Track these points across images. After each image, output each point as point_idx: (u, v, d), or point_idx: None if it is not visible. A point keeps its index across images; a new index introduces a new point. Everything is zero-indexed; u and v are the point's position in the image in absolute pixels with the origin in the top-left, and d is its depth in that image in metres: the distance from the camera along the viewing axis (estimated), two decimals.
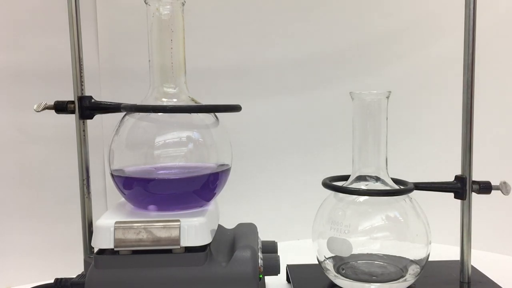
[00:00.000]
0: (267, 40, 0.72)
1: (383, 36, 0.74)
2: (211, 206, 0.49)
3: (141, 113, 0.48)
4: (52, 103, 0.51)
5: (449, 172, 0.53)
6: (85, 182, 0.53)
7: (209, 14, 0.69)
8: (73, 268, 0.53)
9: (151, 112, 0.47)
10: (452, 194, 0.52)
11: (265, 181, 0.75)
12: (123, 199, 0.50)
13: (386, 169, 0.51)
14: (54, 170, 0.64)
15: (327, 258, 0.51)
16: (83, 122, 0.53)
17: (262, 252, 0.50)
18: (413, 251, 0.49)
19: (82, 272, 0.51)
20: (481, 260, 0.59)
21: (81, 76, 0.52)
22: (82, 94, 0.52)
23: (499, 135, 0.70)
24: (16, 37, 0.61)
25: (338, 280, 0.50)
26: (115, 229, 0.43)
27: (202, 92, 0.53)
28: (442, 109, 0.73)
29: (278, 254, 0.51)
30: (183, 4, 0.49)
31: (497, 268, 0.58)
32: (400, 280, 0.49)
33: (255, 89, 0.73)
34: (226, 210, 0.57)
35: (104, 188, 0.67)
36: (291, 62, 0.73)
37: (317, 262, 0.53)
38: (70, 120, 0.53)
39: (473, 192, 0.52)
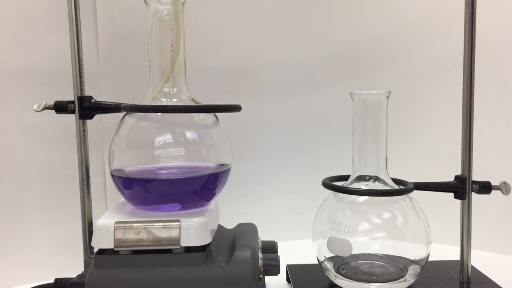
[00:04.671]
0: (267, 40, 0.72)
1: (383, 36, 0.74)
2: (211, 206, 0.49)
3: (141, 113, 0.48)
4: (52, 103, 0.51)
5: (449, 172, 0.53)
6: (85, 182, 0.53)
7: (209, 14, 0.70)
8: (73, 268, 0.53)
9: (151, 112, 0.47)
10: (452, 194, 0.52)
11: (265, 181, 0.75)
12: (123, 199, 0.51)
13: (386, 169, 0.51)
14: (54, 170, 0.64)
15: (327, 258, 0.51)
16: (83, 122, 0.53)
17: (262, 252, 0.50)
18: (413, 251, 0.49)
19: (82, 272, 0.51)
20: (481, 260, 0.59)
21: (81, 76, 0.52)
22: (82, 94, 0.52)
23: (499, 135, 0.70)
24: (16, 37, 0.61)
25: (338, 280, 0.50)
26: (115, 229, 0.43)
27: (202, 92, 0.53)
28: (442, 109, 0.73)
29: (278, 254, 0.51)
30: (183, 4, 0.49)
31: (497, 268, 0.58)
32: (400, 280, 0.49)
33: (255, 89, 0.73)
34: (226, 210, 0.57)
35: (104, 188, 0.67)
36: (291, 62, 0.73)
37: (317, 262, 0.53)
38: (70, 120, 0.53)
39: (473, 192, 0.52)
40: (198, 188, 0.47)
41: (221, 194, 0.51)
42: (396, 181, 0.52)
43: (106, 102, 0.53)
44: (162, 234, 0.43)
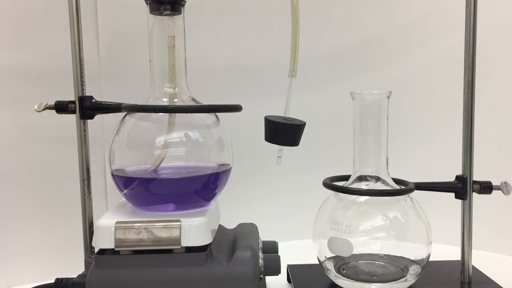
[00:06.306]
0: (267, 40, 0.72)
1: (383, 36, 0.74)
2: (212, 206, 0.49)
3: (141, 113, 0.48)
4: (53, 103, 0.51)
5: (450, 172, 0.53)
6: (85, 182, 0.53)
7: (209, 14, 0.69)
8: (74, 268, 0.53)
9: (151, 112, 0.47)
10: (453, 194, 0.52)
11: (266, 181, 0.75)
12: (123, 199, 0.50)
13: (387, 169, 0.51)
14: (55, 170, 0.64)
15: (327, 258, 0.51)
16: (84, 122, 0.53)
17: (263, 252, 0.50)
18: (414, 251, 0.49)
19: (83, 272, 0.51)
20: (482, 260, 0.59)
21: (81, 76, 0.52)
22: (83, 94, 0.52)
23: (500, 135, 0.70)
24: (16, 37, 0.61)
25: (339, 280, 0.50)
26: (115, 229, 0.43)
27: (203, 92, 0.53)
28: (443, 109, 0.73)
29: (279, 254, 0.51)
30: (183, 4, 0.49)
31: (497, 268, 0.58)
32: (401, 280, 0.49)
33: (255, 89, 0.73)
34: (226, 210, 0.57)
35: (104, 188, 0.67)
36: None
37: (317, 262, 0.53)
38: (70, 120, 0.53)
39: (473, 192, 0.52)
40: (199, 188, 0.47)
41: (222, 194, 0.51)
42: (397, 181, 0.52)
43: (107, 102, 0.53)
44: (163, 234, 0.43)
